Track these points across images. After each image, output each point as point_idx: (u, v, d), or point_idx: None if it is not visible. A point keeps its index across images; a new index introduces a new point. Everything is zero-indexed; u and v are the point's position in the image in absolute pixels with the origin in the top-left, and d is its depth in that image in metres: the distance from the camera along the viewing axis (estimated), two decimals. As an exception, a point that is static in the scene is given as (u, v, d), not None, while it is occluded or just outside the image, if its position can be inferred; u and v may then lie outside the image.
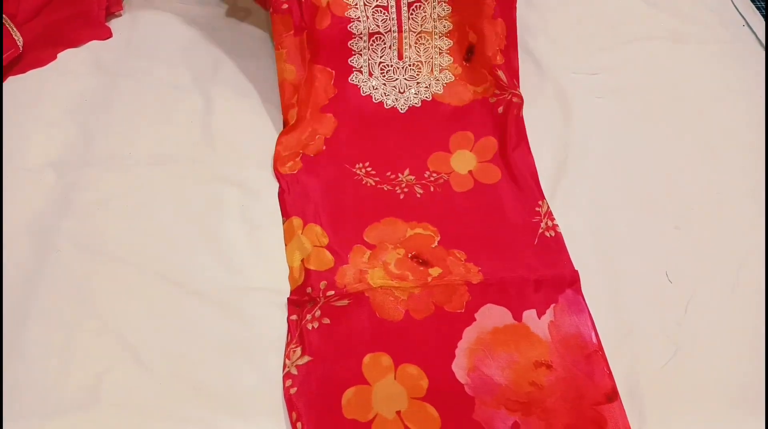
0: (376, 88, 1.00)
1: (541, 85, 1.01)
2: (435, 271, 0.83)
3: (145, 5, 1.10)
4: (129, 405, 0.69)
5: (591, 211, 0.88)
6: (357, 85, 1.00)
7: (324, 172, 0.93)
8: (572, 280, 0.81)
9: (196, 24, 1.09)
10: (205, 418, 0.69)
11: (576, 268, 0.82)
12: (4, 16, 0.98)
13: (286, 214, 0.88)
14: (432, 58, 1.01)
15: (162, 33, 1.07)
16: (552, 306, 0.80)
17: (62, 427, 0.67)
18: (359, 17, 0.97)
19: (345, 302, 0.80)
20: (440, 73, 1.01)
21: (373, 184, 0.92)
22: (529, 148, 0.94)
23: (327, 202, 0.90)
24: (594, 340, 0.77)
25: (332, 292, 0.80)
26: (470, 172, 0.93)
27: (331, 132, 0.97)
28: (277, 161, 0.93)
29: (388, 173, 0.93)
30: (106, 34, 1.05)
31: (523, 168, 0.92)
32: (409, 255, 0.85)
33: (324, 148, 0.95)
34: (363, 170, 0.94)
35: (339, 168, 0.94)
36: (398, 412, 0.72)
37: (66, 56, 1.01)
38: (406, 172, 0.93)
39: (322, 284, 0.81)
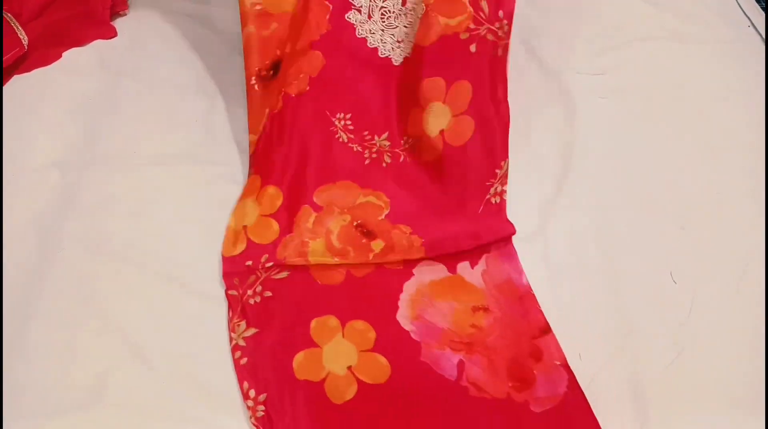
0: (373, 33, 0.91)
1: (545, 85, 1.00)
2: (377, 246, 0.83)
3: (150, 5, 1.10)
4: (131, 405, 0.70)
5: (593, 211, 0.87)
6: (353, 24, 0.91)
7: (303, 116, 0.89)
8: (507, 238, 0.84)
9: (201, 24, 1.08)
10: (206, 418, 0.70)
11: (515, 227, 0.84)
12: (9, 14, 0.98)
13: (254, 169, 0.87)
14: None
15: (167, 33, 1.07)
16: (484, 256, 0.83)
17: (64, 427, 0.67)
18: None
19: (284, 274, 0.80)
20: (418, 4, 0.89)
21: (346, 140, 0.90)
22: (506, 98, 0.88)
23: (292, 154, 0.87)
24: (524, 282, 0.80)
25: (271, 264, 0.81)
26: (441, 132, 0.87)
27: (316, 71, 0.90)
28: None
29: (365, 133, 0.91)
30: (111, 34, 1.05)
31: (497, 123, 0.87)
32: (355, 223, 0.85)
33: (308, 88, 0.89)
34: (342, 122, 0.90)
35: (319, 114, 0.89)
36: (349, 368, 0.74)
37: (71, 55, 1.01)
38: (384, 135, 0.91)
39: (264, 257, 0.81)
